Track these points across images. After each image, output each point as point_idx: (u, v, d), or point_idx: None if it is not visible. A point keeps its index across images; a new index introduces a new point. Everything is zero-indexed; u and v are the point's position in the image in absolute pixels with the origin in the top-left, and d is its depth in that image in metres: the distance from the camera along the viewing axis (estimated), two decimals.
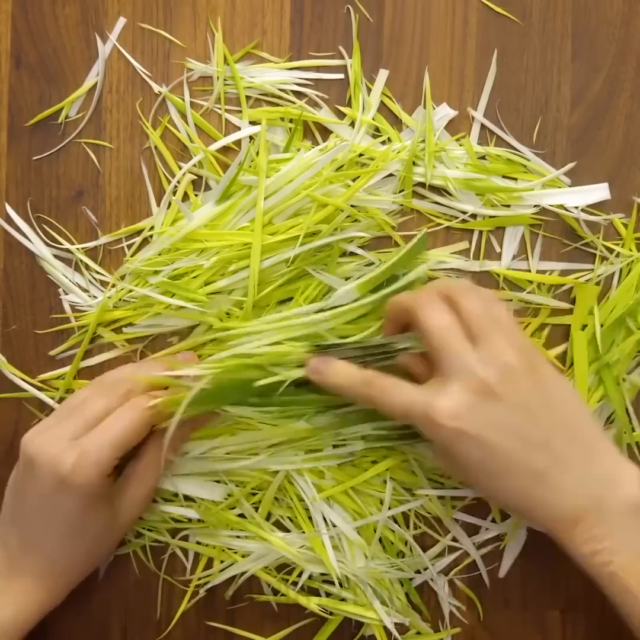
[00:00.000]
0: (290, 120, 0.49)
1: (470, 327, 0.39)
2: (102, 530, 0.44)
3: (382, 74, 0.49)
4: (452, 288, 0.41)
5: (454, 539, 0.49)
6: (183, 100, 0.49)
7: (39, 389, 0.49)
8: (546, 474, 0.38)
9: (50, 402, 0.49)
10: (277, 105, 0.49)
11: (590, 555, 0.38)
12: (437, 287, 0.42)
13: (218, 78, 0.48)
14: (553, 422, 0.39)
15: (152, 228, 0.49)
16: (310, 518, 0.48)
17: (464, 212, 0.49)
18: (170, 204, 0.48)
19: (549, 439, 0.39)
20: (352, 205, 0.47)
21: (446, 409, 0.38)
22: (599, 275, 0.49)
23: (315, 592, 0.48)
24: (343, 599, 0.48)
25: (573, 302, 0.49)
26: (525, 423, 0.38)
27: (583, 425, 0.40)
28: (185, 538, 0.49)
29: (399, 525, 0.48)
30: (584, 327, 0.49)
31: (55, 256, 0.49)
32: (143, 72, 0.49)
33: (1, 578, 0.43)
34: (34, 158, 0.50)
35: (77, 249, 0.49)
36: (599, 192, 0.49)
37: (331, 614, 0.48)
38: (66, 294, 0.49)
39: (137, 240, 0.49)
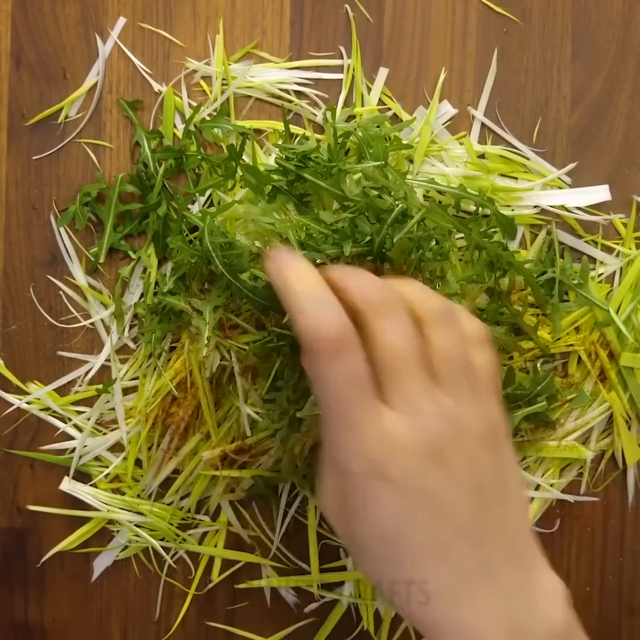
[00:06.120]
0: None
1: (436, 365, 0.32)
2: None
3: (382, 73, 0.49)
4: (426, 309, 0.33)
5: None
6: (182, 100, 0.49)
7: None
8: (470, 577, 0.30)
9: (50, 419, 0.49)
10: (278, 105, 0.49)
11: None
12: (404, 297, 0.33)
13: (217, 79, 0.49)
14: (498, 515, 0.31)
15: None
16: None
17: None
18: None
19: (488, 537, 0.30)
20: None
21: (388, 439, 0.30)
22: (600, 274, 0.49)
23: (311, 598, 0.49)
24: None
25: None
26: (469, 505, 0.30)
27: (519, 525, 0.32)
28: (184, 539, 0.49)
29: None
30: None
31: None
32: (143, 69, 0.49)
33: None
34: (34, 158, 0.50)
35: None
36: (599, 193, 0.49)
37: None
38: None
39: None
